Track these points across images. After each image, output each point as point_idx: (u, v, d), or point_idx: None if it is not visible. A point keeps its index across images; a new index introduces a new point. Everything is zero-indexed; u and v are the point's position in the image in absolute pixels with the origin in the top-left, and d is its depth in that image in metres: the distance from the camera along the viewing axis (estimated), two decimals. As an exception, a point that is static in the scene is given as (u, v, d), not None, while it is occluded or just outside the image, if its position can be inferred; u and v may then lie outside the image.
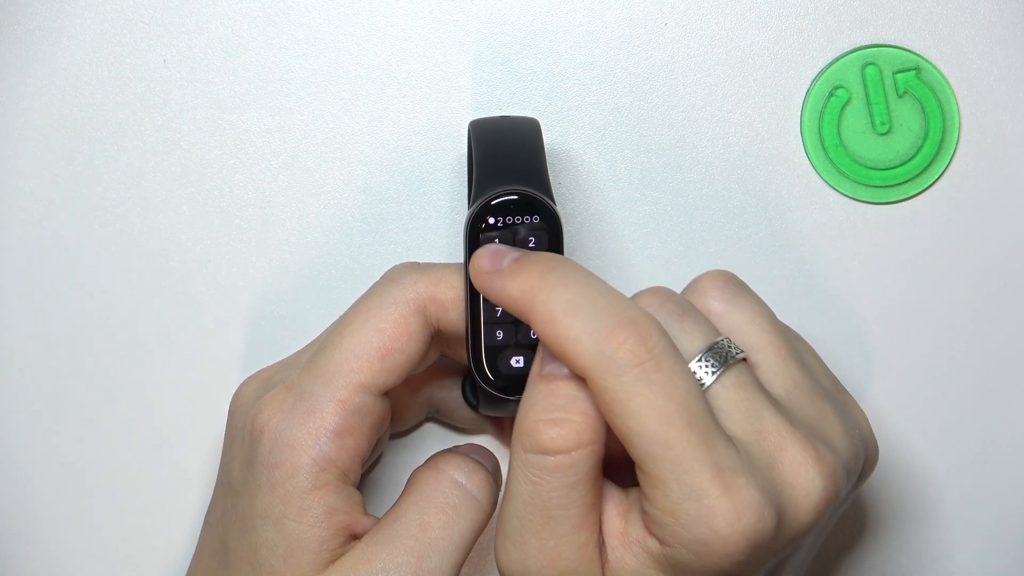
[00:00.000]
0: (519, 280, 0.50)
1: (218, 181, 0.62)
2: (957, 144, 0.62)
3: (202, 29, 0.61)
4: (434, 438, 0.62)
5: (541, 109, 0.62)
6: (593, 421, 0.50)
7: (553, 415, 0.50)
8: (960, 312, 0.62)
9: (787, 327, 0.55)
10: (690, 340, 0.51)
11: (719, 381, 0.51)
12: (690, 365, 0.51)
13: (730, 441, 0.49)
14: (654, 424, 0.48)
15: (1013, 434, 0.63)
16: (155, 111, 0.62)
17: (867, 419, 0.55)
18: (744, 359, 0.52)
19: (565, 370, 0.50)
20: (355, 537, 0.54)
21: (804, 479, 0.50)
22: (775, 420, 0.51)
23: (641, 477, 0.50)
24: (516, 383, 0.54)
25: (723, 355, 0.51)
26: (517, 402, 0.54)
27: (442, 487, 0.54)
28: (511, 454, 0.51)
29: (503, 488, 0.54)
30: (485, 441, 0.62)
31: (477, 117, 0.60)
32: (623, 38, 0.62)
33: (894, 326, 0.62)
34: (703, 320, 0.52)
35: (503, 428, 0.62)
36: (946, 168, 0.62)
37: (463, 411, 0.61)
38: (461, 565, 0.53)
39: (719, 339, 0.51)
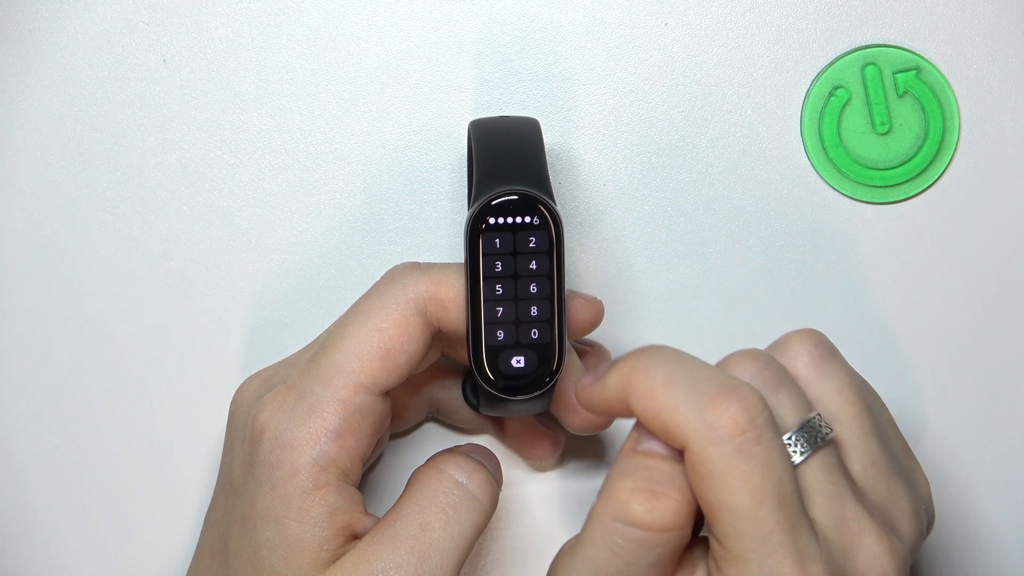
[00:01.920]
0: (617, 372, 0.50)
1: (218, 181, 0.62)
2: (957, 144, 0.62)
3: (202, 29, 0.61)
4: (434, 438, 0.62)
5: (541, 109, 0.62)
6: (688, 503, 0.49)
7: (650, 487, 0.49)
8: (960, 312, 0.62)
9: (869, 390, 0.54)
10: (783, 415, 0.50)
11: (807, 462, 0.50)
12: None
13: (813, 528, 0.49)
14: (747, 500, 0.48)
15: (1013, 434, 0.63)
16: (155, 111, 0.62)
17: (929, 487, 0.54)
18: (833, 439, 0.51)
19: (663, 449, 0.49)
20: (356, 537, 0.54)
21: (877, 571, 0.50)
22: (855, 508, 0.50)
23: (719, 551, 0.49)
24: (516, 383, 0.54)
25: (815, 435, 0.50)
26: (517, 402, 0.54)
27: (443, 487, 0.54)
28: (593, 515, 0.50)
29: (502, 502, 0.53)
30: (485, 441, 0.62)
31: (477, 117, 0.60)
32: (623, 38, 0.62)
33: (894, 326, 0.62)
34: (799, 393, 0.51)
35: (503, 428, 0.62)
36: (946, 168, 0.62)
37: (463, 411, 0.61)
38: (462, 565, 0.53)
39: (812, 416, 0.50)
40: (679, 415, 0.48)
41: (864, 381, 0.54)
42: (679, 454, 0.49)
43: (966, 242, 0.62)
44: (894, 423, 0.55)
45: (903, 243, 0.62)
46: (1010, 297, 0.62)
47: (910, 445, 0.55)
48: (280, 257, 0.62)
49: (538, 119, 0.58)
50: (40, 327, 0.62)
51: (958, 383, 0.62)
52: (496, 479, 0.56)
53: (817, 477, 0.50)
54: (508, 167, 0.55)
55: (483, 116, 0.61)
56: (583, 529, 0.50)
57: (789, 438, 0.50)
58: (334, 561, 0.53)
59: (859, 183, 0.62)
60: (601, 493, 0.50)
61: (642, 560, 0.49)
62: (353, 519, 0.53)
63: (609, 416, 0.52)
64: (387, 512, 0.54)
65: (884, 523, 0.51)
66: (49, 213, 0.62)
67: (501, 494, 0.57)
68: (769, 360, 0.51)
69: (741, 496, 0.48)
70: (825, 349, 0.53)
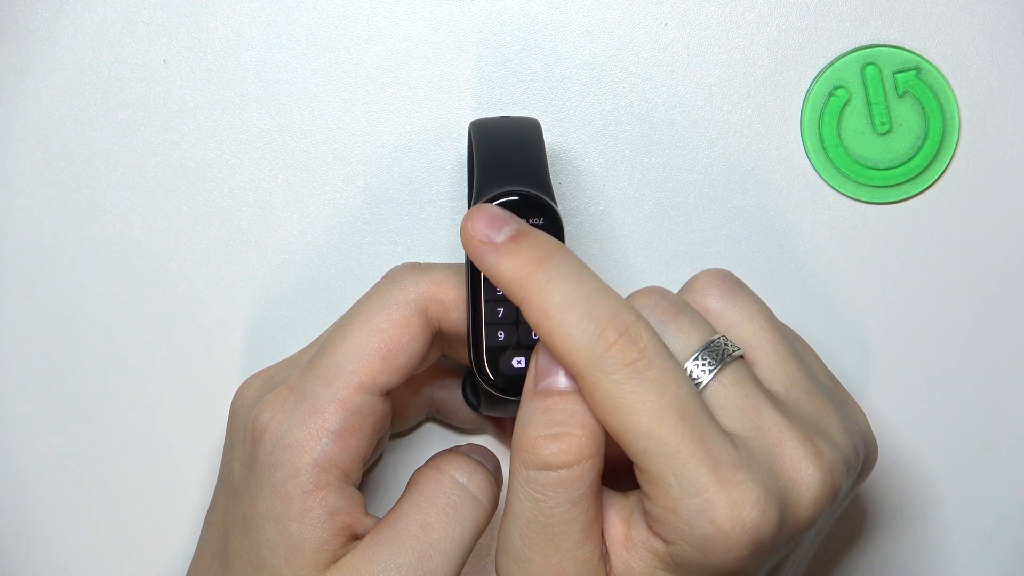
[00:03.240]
0: (515, 262, 0.50)
1: (218, 181, 0.62)
2: (957, 144, 0.62)
3: (202, 29, 0.61)
4: (435, 438, 0.62)
5: (541, 109, 0.62)
6: (593, 433, 0.50)
7: (552, 430, 0.50)
8: (960, 312, 0.62)
9: (785, 325, 0.55)
10: (686, 338, 0.51)
11: (716, 379, 0.51)
12: (687, 364, 0.51)
13: (727, 436, 0.50)
14: (647, 420, 0.49)
15: (1013, 434, 0.63)
16: (155, 111, 0.62)
17: (866, 417, 0.55)
18: (741, 356, 0.52)
19: (561, 383, 0.50)
20: (356, 537, 0.54)
21: (804, 474, 0.50)
22: (774, 416, 0.51)
23: (640, 477, 0.50)
24: (517, 383, 0.54)
25: (720, 353, 0.51)
26: (518, 402, 0.54)
27: (443, 487, 0.54)
28: (511, 471, 0.51)
29: (503, 503, 0.54)
30: (485, 441, 0.62)
31: (477, 117, 0.60)
32: (623, 38, 0.62)
33: (894, 326, 0.62)
34: (699, 319, 0.52)
35: (503, 428, 0.62)
36: (946, 168, 0.62)
37: (464, 411, 0.61)
38: (462, 565, 0.53)
39: (716, 337, 0.51)
40: (571, 343, 0.49)
41: (783, 323, 0.55)
42: (576, 384, 0.50)
43: (966, 242, 0.62)
44: (820, 360, 0.56)
45: (903, 243, 0.62)
46: (1010, 297, 0.62)
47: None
48: (280, 257, 0.62)
49: (538, 119, 0.58)
50: (40, 327, 0.62)
51: (958, 383, 0.62)
52: (496, 479, 0.56)
53: (729, 392, 0.51)
54: (509, 167, 0.55)
55: (483, 116, 0.61)
56: (508, 489, 0.51)
57: (695, 359, 0.51)
58: (335, 562, 0.53)
59: (859, 183, 0.62)
60: (512, 446, 0.51)
61: (563, 499, 0.50)
62: (354, 519, 0.53)
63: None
64: (388, 512, 0.54)
65: (809, 430, 0.51)
66: (49, 213, 0.62)
67: (501, 494, 0.57)
68: (666, 293, 0.52)
69: (640, 416, 0.49)
70: (732, 282, 0.54)
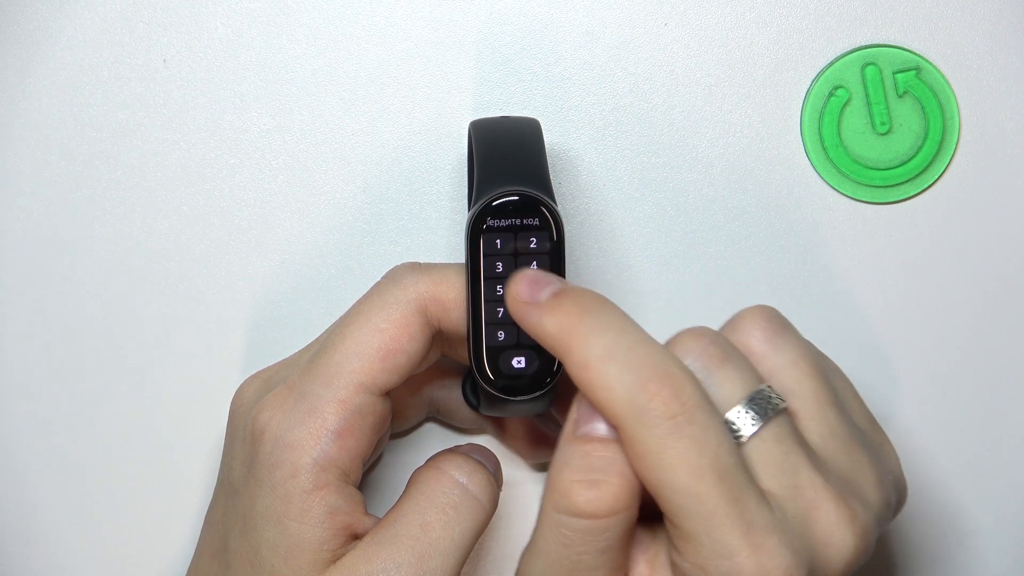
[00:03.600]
0: (557, 318, 0.50)
1: (218, 181, 0.62)
2: (957, 144, 0.62)
3: (202, 29, 0.61)
4: (434, 438, 0.62)
5: (541, 109, 0.62)
6: (630, 484, 0.49)
7: (590, 476, 0.49)
8: (960, 312, 0.62)
9: (827, 362, 0.54)
10: (731, 388, 0.50)
11: (758, 433, 0.50)
12: (730, 414, 0.50)
13: (763, 498, 0.49)
14: (685, 478, 0.48)
15: (1013, 434, 0.63)
16: (155, 111, 0.62)
17: (898, 459, 0.54)
18: (785, 409, 0.51)
19: (601, 431, 0.50)
20: (356, 537, 0.54)
21: (837, 538, 0.50)
22: (811, 477, 0.50)
23: (672, 530, 0.49)
24: (517, 384, 0.54)
25: (764, 406, 0.50)
26: (517, 402, 0.54)
27: (443, 487, 0.54)
28: (541, 510, 0.50)
29: (502, 504, 0.53)
30: (485, 441, 0.62)
31: (477, 117, 0.60)
32: (623, 38, 0.62)
33: (894, 326, 0.62)
34: (746, 366, 0.51)
35: (503, 428, 0.62)
36: (946, 168, 0.62)
37: (463, 411, 0.61)
38: (462, 565, 0.53)
39: (761, 388, 0.51)
40: (612, 394, 0.49)
41: (822, 354, 0.54)
42: (617, 433, 0.49)
43: (966, 242, 0.62)
44: (858, 396, 0.55)
45: (903, 243, 0.62)
46: (1010, 297, 0.62)
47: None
48: (280, 257, 0.62)
49: (538, 119, 0.58)
50: (40, 327, 0.62)
51: (958, 383, 0.62)
52: (496, 479, 0.56)
53: (769, 448, 0.50)
54: (509, 167, 0.55)
55: (483, 116, 0.61)
56: (535, 525, 0.51)
57: (738, 411, 0.50)
58: (334, 561, 0.53)
59: (859, 183, 0.62)
60: (545, 486, 0.50)
61: (592, 547, 0.49)
62: (353, 519, 0.53)
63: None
64: (387, 512, 0.54)
65: (845, 490, 0.50)
66: (49, 213, 0.62)
67: (501, 494, 0.57)
68: (715, 337, 0.51)
69: (679, 474, 0.48)
70: (778, 323, 0.53)
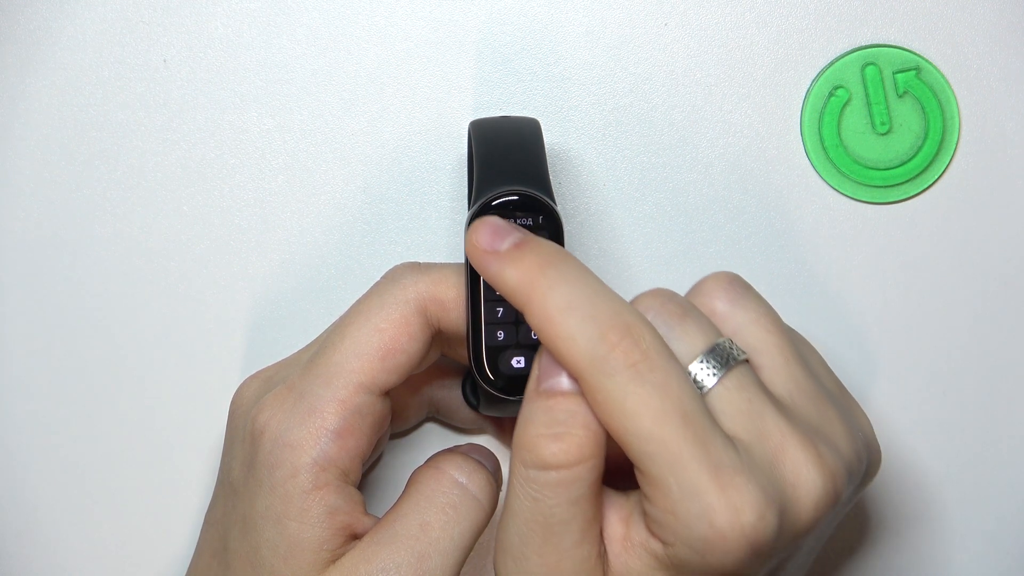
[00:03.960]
0: (518, 269, 0.50)
1: (218, 181, 0.62)
2: (957, 144, 0.62)
3: (202, 29, 0.61)
4: (434, 438, 0.62)
5: (541, 109, 0.62)
6: (594, 434, 0.50)
7: (554, 429, 0.50)
8: (960, 312, 0.62)
9: (791, 329, 0.55)
10: (691, 341, 0.51)
11: (721, 382, 0.51)
12: (691, 366, 0.51)
13: (728, 440, 0.49)
14: (649, 422, 0.48)
15: (1013, 434, 0.63)
16: (155, 111, 0.62)
17: (870, 423, 0.55)
18: (746, 360, 0.51)
19: (563, 384, 0.50)
20: (356, 537, 0.54)
21: (805, 479, 0.50)
22: (776, 420, 0.50)
23: (640, 478, 0.50)
24: (516, 383, 0.54)
25: (725, 356, 0.51)
26: (518, 402, 0.54)
27: (442, 487, 0.54)
28: (510, 470, 0.51)
29: (502, 502, 0.54)
30: (485, 441, 0.62)
31: (477, 117, 0.60)
32: (623, 38, 0.62)
33: (894, 326, 0.62)
34: (705, 321, 0.52)
35: (503, 428, 0.62)
36: (946, 168, 0.62)
37: (463, 411, 0.61)
38: (462, 565, 0.53)
39: (721, 340, 0.51)
40: (573, 345, 0.49)
41: (790, 327, 0.55)
42: (579, 386, 0.50)
43: (966, 242, 0.62)
44: (825, 364, 0.55)
45: (903, 243, 0.62)
46: (1010, 297, 0.62)
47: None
48: (280, 257, 0.62)
49: (538, 119, 0.58)
50: (40, 327, 0.62)
51: (958, 383, 0.62)
52: (496, 479, 0.56)
53: (732, 396, 0.50)
54: (508, 167, 0.55)
55: (483, 116, 0.61)
56: (507, 487, 0.51)
57: (700, 361, 0.51)
58: (334, 561, 0.53)
59: (859, 183, 0.62)
60: (513, 445, 0.51)
61: (562, 499, 0.50)
62: (353, 519, 0.53)
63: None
64: (387, 512, 0.54)
65: (812, 435, 0.51)
66: (49, 213, 0.62)
67: (501, 494, 0.57)
68: (673, 295, 0.52)
69: (642, 420, 0.48)
70: (739, 285, 0.53)
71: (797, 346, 0.54)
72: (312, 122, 0.62)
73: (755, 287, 0.55)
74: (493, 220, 0.51)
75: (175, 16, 0.61)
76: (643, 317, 0.50)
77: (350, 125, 0.62)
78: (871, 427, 0.55)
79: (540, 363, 0.51)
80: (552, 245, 0.51)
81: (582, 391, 0.50)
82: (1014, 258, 0.62)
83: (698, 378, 0.51)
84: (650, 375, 0.49)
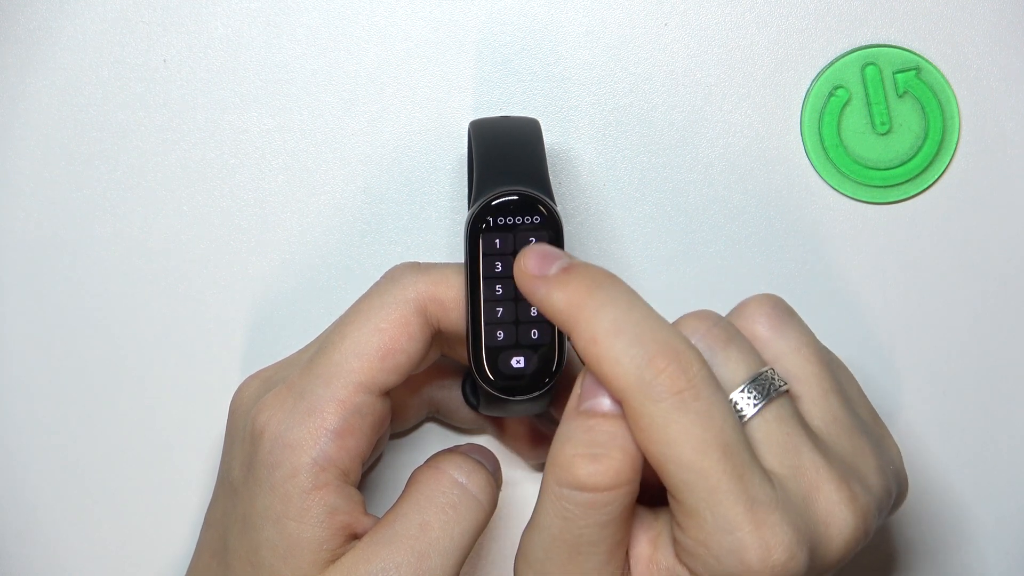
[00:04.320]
0: (565, 292, 0.50)
1: (218, 181, 0.62)
2: (957, 144, 0.62)
3: (202, 29, 0.61)
4: (434, 438, 0.62)
5: (541, 109, 0.62)
6: (632, 459, 0.49)
7: (592, 450, 0.49)
8: (960, 312, 0.62)
9: (831, 355, 0.55)
10: (734, 369, 0.51)
11: (760, 413, 0.50)
12: (733, 395, 0.50)
13: (766, 475, 0.49)
14: (690, 452, 0.48)
15: (1013, 434, 0.63)
16: (155, 111, 0.62)
17: (900, 452, 0.55)
18: (787, 391, 0.51)
19: (605, 406, 0.50)
20: (355, 537, 0.54)
21: (838, 518, 0.50)
22: (813, 457, 0.50)
23: (674, 506, 0.49)
24: (516, 383, 0.54)
25: (766, 387, 0.51)
26: (517, 402, 0.54)
27: (442, 487, 0.54)
28: (543, 484, 0.50)
29: (501, 503, 0.54)
30: (485, 441, 0.62)
31: (477, 117, 0.60)
32: (623, 38, 0.62)
33: (894, 326, 0.62)
34: (748, 349, 0.51)
35: (503, 428, 0.62)
36: (946, 168, 0.62)
37: (463, 411, 0.61)
38: (461, 565, 0.53)
39: (764, 370, 0.51)
40: (618, 368, 0.49)
41: (827, 348, 0.55)
42: (621, 409, 0.50)
43: (966, 242, 0.62)
44: (861, 390, 0.55)
45: (903, 243, 0.62)
46: (1010, 297, 0.62)
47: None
48: (280, 257, 0.62)
49: (538, 119, 0.58)
50: (40, 327, 0.62)
51: (958, 383, 0.62)
52: (496, 479, 0.56)
53: (771, 429, 0.50)
54: (508, 167, 0.55)
55: (483, 116, 0.61)
56: (537, 501, 0.51)
57: (741, 391, 0.50)
58: (334, 561, 0.53)
59: (859, 183, 0.62)
60: (548, 461, 0.50)
61: (593, 521, 0.49)
62: (353, 519, 0.53)
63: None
64: (387, 512, 0.54)
65: (846, 472, 0.51)
66: (49, 213, 0.62)
67: (501, 494, 0.57)
68: (718, 319, 0.52)
69: (683, 448, 0.48)
70: (783, 310, 0.53)
71: (836, 373, 0.53)
72: (312, 122, 0.62)
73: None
74: (541, 246, 0.51)
75: (175, 16, 0.61)
76: (691, 344, 0.49)
77: (350, 125, 0.62)
78: (900, 456, 0.55)
79: (583, 383, 0.51)
80: (600, 269, 0.51)
81: (624, 415, 0.50)
82: (1014, 258, 0.62)
83: (738, 407, 0.50)
84: (695, 404, 0.48)
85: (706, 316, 0.52)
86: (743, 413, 0.50)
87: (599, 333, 0.49)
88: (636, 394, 0.49)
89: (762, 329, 0.53)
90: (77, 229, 0.62)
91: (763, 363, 0.51)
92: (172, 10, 0.61)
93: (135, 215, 0.62)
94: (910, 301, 0.62)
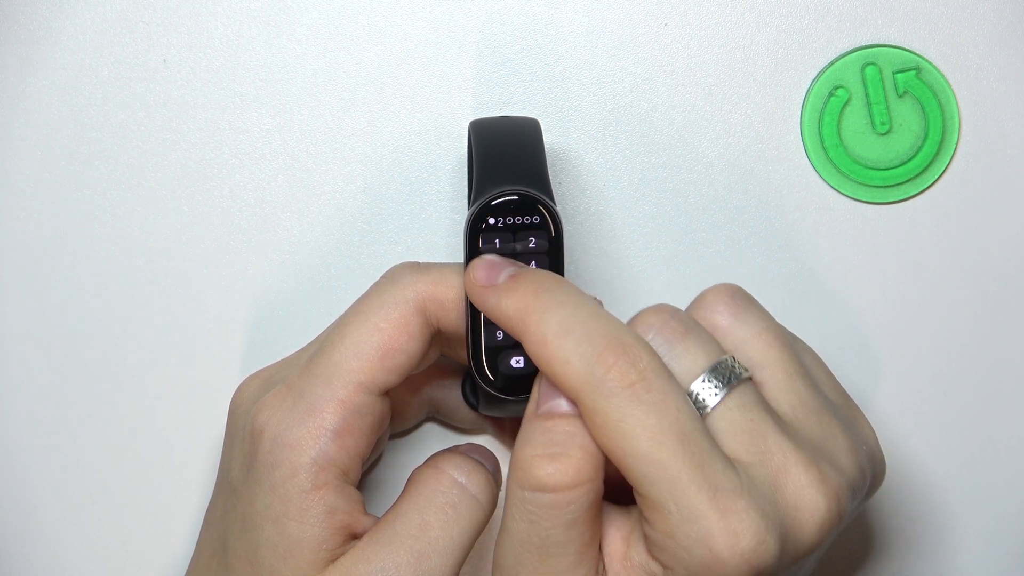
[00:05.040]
0: (513, 298, 0.51)
1: (218, 181, 0.62)
2: (957, 144, 0.62)
3: (202, 29, 0.61)
4: (434, 438, 0.62)
5: (541, 109, 0.62)
6: (592, 456, 0.49)
7: (550, 450, 0.50)
8: (960, 312, 0.62)
9: (795, 338, 0.55)
10: (693, 359, 0.51)
11: (723, 401, 0.50)
12: (694, 385, 0.50)
13: (728, 462, 0.49)
14: (646, 444, 0.48)
15: (1013, 434, 0.63)
16: (155, 111, 0.62)
17: (875, 433, 0.55)
18: (749, 378, 0.51)
19: (562, 407, 0.50)
20: (355, 537, 0.54)
21: (808, 501, 0.50)
22: (779, 441, 0.50)
23: (640, 501, 0.49)
24: (516, 383, 0.54)
25: (727, 374, 0.51)
26: (517, 402, 0.54)
27: (442, 487, 0.54)
28: (507, 490, 0.51)
29: (502, 502, 0.54)
30: (485, 441, 0.62)
31: (477, 117, 0.60)
32: (623, 38, 0.62)
33: (894, 326, 0.62)
34: (707, 338, 0.52)
35: (503, 428, 0.62)
36: (946, 168, 0.62)
37: (463, 411, 0.61)
38: (461, 565, 0.53)
39: (724, 358, 0.51)
40: (569, 367, 0.49)
41: (790, 332, 0.55)
42: (577, 408, 0.50)
43: (966, 242, 0.62)
44: (829, 372, 0.55)
45: (903, 243, 0.62)
46: (1010, 297, 0.62)
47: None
48: (280, 257, 0.62)
49: (538, 119, 0.58)
50: (40, 327, 0.62)
51: (958, 383, 0.62)
52: (496, 479, 0.56)
53: (735, 416, 0.50)
54: (508, 167, 0.55)
55: (483, 116, 0.61)
56: (504, 508, 0.51)
57: (702, 380, 0.50)
58: (333, 561, 0.53)
59: (859, 183, 0.62)
60: (510, 465, 0.50)
61: (558, 522, 0.49)
62: (352, 519, 0.53)
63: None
64: (386, 512, 0.54)
65: (815, 455, 0.50)
66: (49, 213, 0.62)
67: (501, 494, 0.57)
68: (675, 312, 0.52)
69: (640, 441, 0.48)
70: (741, 299, 0.53)
71: (801, 357, 0.53)
72: (312, 122, 0.62)
73: (754, 287, 0.55)
74: (488, 257, 0.52)
75: (175, 16, 0.61)
76: (640, 337, 0.50)
77: (350, 125, 0.62)
78: (875, 437, 0.54)
79: (539, 387, 0.51)
80: (547, 273, 0.51)
81: (580, 414, 0.50)
82: (1014, 258, 0.62)
83: (700, 397, 0.50)
84: (647, 396, 0.49)
85: (662, 310, 0.52)
86: (705, 403, 0.50)
87: (548, 334, 0.49)
88: (588, 391, 0.49)
89: (722, 319, 0.53)
90: (77, 229, 0.62)
91: (723, 351, 0.51)
92: (172, 10, 0.61)
93: (135, 215, 0.62)
94: (910, 301, 0.62)
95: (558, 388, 0.50)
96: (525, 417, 0.51)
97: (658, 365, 0.49)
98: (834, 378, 0.55)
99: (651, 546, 0.50)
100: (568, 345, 0.49)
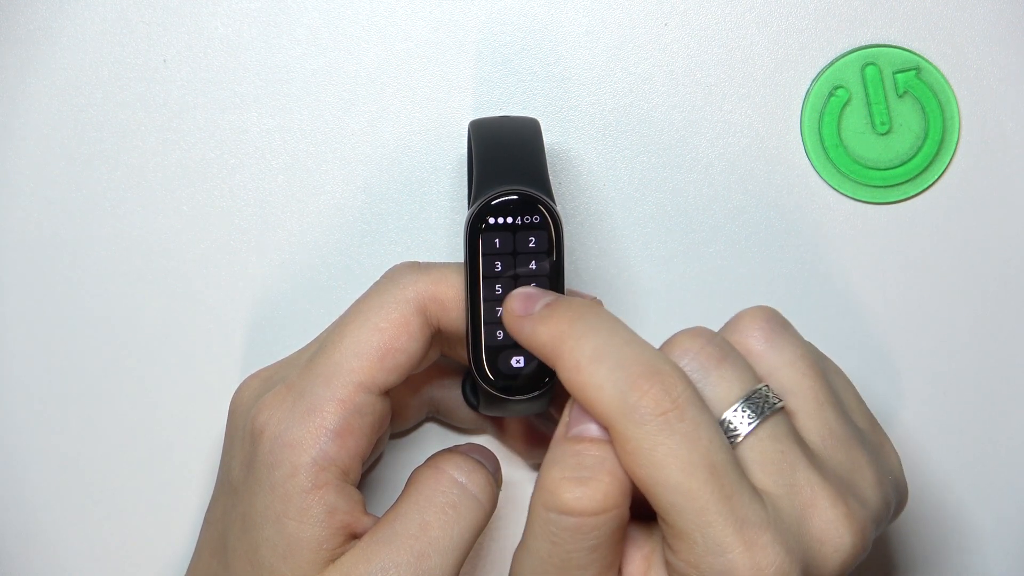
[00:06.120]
0: (548, 325, 0.50)
1: (218, 181, 0.62)
2: (957, 144, 0.62)
3: (202, 29, 0.61)
4: (434, 438, 0.62)
5: (541, 109, 0.62)
6: (620, 483, 0.49)
7: (579, 473, 0.49)
8: (960, 312, 0.62)
9: (827, 361, 0.55)
10: (728, 388, 0.51)
11: (755, 432, 0.50)
12: (727, 414, 0.50)
13: (756, 494, 0.49)
14: (676, 474, 0.48)
15: (1013, 434, 0.63)
16: (155, 111, 0.62)
17: (900, 460, 0.54)
18: (782, 407, 0.51)
19: (593, 431, 0.50)
20: (355, 536, 0.54)
21: (833, 536, 0.50)
22: (808, 475, 0.50)
23: (665, 528, 0.49)
24: (516, 383, 0.54)
25: (761, 405, 0.50)
26: (517, 402, 0.54)
27: (442, 486, 0.54)
28: (531, 509, 0.50)
29: (501, 503, 0.53)
30: (485, 441, 0.62)
31: (477, 117, 0.60)
32: (623, 38, 0.62)
33: (894, 326, 0.62)
34: (743, 365, 0.51)
35: (503, 428, 0.62)
36: (946, 168, 0.62)
37: (463, 411, 0.61)
38: (461, 564, 0.53)
39: (758, 387, 0.51)
40: (602, 393, 0.49)
41: (823, 355, 0.55)
42: (608, 434, 0.49)
43: (966, 242, 0.62)
44: (859, 397, 0.55)
45: (903, 243, 0.62)
46: (1010, 297, 0.62)
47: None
48: (280, 257, 0.62)
49: (538, 119, 0.58)
50: (40, 327, 0.62)
51: (958, 383, 0.62)
52: (496, 479, 0.56)
53: (765, 446, 0.50)
54: (508, 167, 0.55)
55: (483, 116, 0.61)
56: (526, 524, 0.51)
57: (735, 410, 0.50)
58: (333, 560, 0.53)
59: (859, 183, 0.62)
60: (535, 485, 0.50)
61: (581, 545, 0.49)
62: (352, 518, 0.53)
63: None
64: (386, 512, 0.54)
65: (842, 489, 0.50)
66: (49, 213, 0.62)
67: (501, 494, 0.57)
68: (712, 336, 0.51)
69: (670, 470, 0.48)
70: (777, 323, 0.53)
71: (832, 383, 0.53)
72: (312, 122, 0.62)
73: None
74: (524, 289, 0.52)
75: (175, 16, 0.61)
76: (675, 365, 0.49)
77: (350, 125, 0.62)
78: (900, 464, 0.54)
79: (571, 411, 0.51)
80: (582, 301, 0.51)
81: (611, 440, 0.49)
82: (1014, 258, 0.62)
83: (732, 425, 0.50)
84: (680, 425, 0.48)
85: (699, 334, 0.51)
86: (737, 432, 0.50)
87: (582, 361, 0.49)
88: (620, 418, 0.49)
89: (756, 343, 0.52)
90: (77, 229, 0.62)
91: (757, 380, 0.51)
92: (172, 10, 0.61)
93: (135, 215, 0.62)
94: (910, 301, 0.62)
95: (590, 414, 0.50)
96: (554, 439, 0.51)
97: (692, 394, 0.49)
98: (863, 403, 0.55)
99: (672, 572, 0.49)
100: (602, 371, 0.49)
